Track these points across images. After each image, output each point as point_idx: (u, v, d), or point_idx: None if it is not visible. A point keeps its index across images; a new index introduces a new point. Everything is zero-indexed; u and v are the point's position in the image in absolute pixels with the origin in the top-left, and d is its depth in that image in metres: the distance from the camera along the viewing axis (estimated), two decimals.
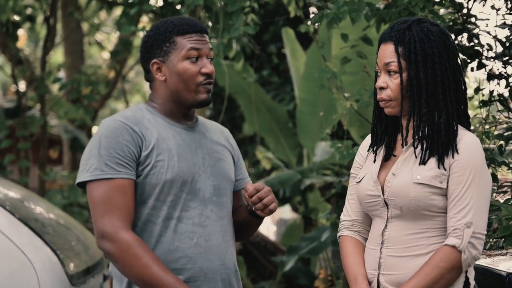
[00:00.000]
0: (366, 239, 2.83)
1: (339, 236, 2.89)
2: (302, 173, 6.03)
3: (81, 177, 2.82)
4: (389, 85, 2.70)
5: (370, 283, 2.72)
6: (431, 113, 2.66)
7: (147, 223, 2.85)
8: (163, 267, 2.74)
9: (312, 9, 4.75)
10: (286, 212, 10.98)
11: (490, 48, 4.24)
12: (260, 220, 3.02)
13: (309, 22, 4.06)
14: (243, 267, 6.21)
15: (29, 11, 7.87)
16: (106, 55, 14.37)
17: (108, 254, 2.78)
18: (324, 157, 6.84)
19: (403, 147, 2.73)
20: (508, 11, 4.27)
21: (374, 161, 2.80)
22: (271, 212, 2.86)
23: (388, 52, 2.69)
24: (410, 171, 2.66)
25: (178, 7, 5.34)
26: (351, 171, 2.92)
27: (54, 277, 3.46)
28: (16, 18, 7.69)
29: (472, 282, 2.66)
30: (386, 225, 2.70)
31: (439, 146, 2.64)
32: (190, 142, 2.93)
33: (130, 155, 2.81)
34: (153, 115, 2.94)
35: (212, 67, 2.91)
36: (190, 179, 2.87)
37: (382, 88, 2.72)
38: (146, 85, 17.53)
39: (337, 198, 5.15)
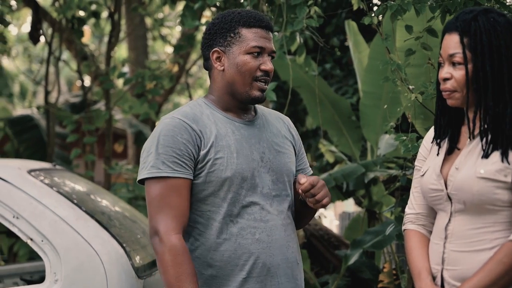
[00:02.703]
0: (431, 232, 2.80)
1: (404, 229, 2.88)
2: (366, 166, 5.96)
3: (140, 174, 2.85)
4: (453, 75, 2.66)
5: (434, 278, 2.70)
6: (497, 106, 2.62)
7: (209, 220, 2.86)
8: (195, 285, 2.74)
9: (375, 1, 4.71)
10: (349, 206, 10.93)
11: None
12: (312, 210, 3.02)
13: (372, 14, 4.01)
14: (307, 261, 6.18)
15: (93, 7, 7.96)
16: (169, 49, 14.46)
17: (155, 251, 2.80)
18: (388, 150, 6.78)
19: (470, 139, 2.69)
20: None
21: (438, 154, 2.77)
22: (323, 206, 2.85)
23: (452, 43, 2.65)
24: (473, 165, 2.62)
25: (241, 0, 5.35)
26: (416, 163, 2.89)
27: (121, 270, 3.49)
28: (81, 14, 7.79)
29: None
30: (449, 220, 2.68)
31: (504, 140, 2.60)
32: (249, 137, 2.93)
33: (188, 154, 2.81)
34: (212, 110, 2.94)
35: (271, 65, 2.91)
36: (249, 175, 2.86)
37: (446, 79, 2.68)
38: (208, 79, 17.61)
39: (402, 191, 5.08)
